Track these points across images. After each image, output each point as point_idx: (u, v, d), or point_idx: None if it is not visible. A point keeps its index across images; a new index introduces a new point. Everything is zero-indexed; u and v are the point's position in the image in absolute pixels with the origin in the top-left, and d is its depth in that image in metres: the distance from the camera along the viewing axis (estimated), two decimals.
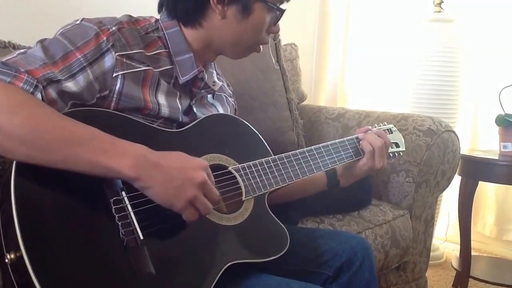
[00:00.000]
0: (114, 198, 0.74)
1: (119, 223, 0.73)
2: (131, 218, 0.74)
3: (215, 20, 0.92)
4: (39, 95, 0.74)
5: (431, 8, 2.11)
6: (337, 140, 1.09)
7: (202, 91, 0.99)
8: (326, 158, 1.05)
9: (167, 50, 0.93)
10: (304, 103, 2.06)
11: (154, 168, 0.73)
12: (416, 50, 2.10)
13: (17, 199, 0.66)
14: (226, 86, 1.16)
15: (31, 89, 0.73)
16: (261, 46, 1.00)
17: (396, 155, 1.19)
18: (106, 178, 0.73)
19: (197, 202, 0.76)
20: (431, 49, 2.06)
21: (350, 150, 1.09)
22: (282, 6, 0.96)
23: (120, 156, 0.71)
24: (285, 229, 0.94)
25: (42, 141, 0.69)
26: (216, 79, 1.03)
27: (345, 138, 1.10)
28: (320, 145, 1.06)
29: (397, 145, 1.19)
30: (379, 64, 2.46)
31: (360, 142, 1.10)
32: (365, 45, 2.52)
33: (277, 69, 1.77)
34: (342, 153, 1.08)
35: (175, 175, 0.74)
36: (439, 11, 2.09)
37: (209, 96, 1.05)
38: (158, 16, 0.97)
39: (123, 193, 0.75)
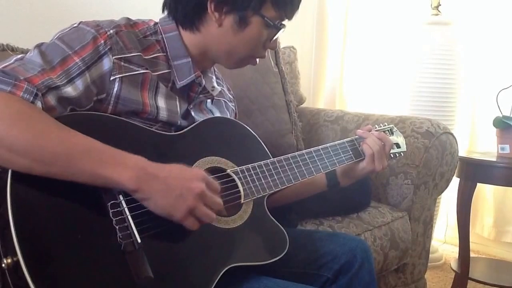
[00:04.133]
0: (112, 202, 0.74)
1: (117, 227, 0.73)
2: (129, 221, 0.74)
3: (212, 27, 0.92)
4: (39, 104, 0.74)
5: (428, 11, 2.12)
6: (336, 142, 1.08)
7: (201, 96, 0.99)
8: (326, 160, 1.05)
9: (165, 54, 0.93)
10: (303, 105, 2.06)
11: (153, 179, 0.73)
12: (414, 52, 2.11)
13: (13, 204, 0.66)
14: (226, 90, 1.15)
15: (31, 98, 0.73)
16: (257, 59, 0.99)
17: (397, 155, 1.19)
18: (107, 187, 0.74)
19: (197, 212, 0.76)
20: (429, 51, 2.06)
21: (350, 152, 1.08)
22: (283, 23, 0.94)
23: (120, 168, 0.72)
24: (285, 231, 0.94)
25: (42, 154, 0.69)
26: (215, 84, 1.03)
27: (344, 140, 1.10)
28: (319, 147, 1.06)
29: (398, 146, 1.19)
30: (378, 67, 2.47)
31: (361, 143, 1.10)
32: (363, 48, 2.52)
33: (276, 72, 1.77)
34: (342, 155, 1.07)
35: (174, 186, 0.74)
36: (437, 14, 2.10)
37: (208, 101, 1.05)
38: (157, 19, 0.97)
39: (121, 196, 0.74)
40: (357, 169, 1.09)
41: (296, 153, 1.02)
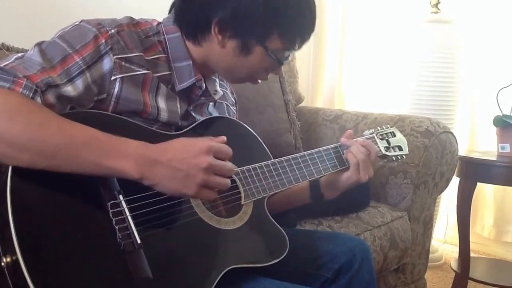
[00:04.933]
0: (111, 201, 0.73)
1: (116, 227, 0.72)
2: (128, 222, 0.73)
3: (214, 45, 0.90)
4: (38, 99, 0.73)
5: (428, 9, 2.12)
6: (321, 148, 1.06)
7: (202, 98, 0.98)
8: (327, 162, 1.04)
9: (166, 55, 0.92)
10: (302, 104, 2.06)
11: (156, 165, 0.73)
12: (413, 51, 2.10)
13: (13, 203, 0.66)
14: (229, 93, 1.14)
15: (31, 94, 0.72)
16: (259, 80, 0.97)
17: (399, 158, 1.18)
18: (112, 177, 0.74)
19: (210, 184, 0.76)
20: (428, 50, 2.06)
21: (335, 160, 1.06)
22: (287, 55, 0.93)
23: (121, 158, 0.71)
24: (285, 233, 0.93)
25: (44, 147, 0.68)
26: (218, 88, 1.02)
27: (329, 146, 1.07)
28: (320, 148, 1.05)
29: (400, 148, 1.18)
30: (376, 65, 2.46)
31: (345, 151, 1.06)
32: (362, 46, 2.52)
33: None
34: (335, 161, 1.05)
35: (179, 167, 0.73)
36: (436, 12, 2.09)
37: (210, 105, 1.04)
38: (159, 19, 0.96)
39: (121, 196, 0.74)
40: (341, 180, 1.05)
41: (297, 154, 1.01)
